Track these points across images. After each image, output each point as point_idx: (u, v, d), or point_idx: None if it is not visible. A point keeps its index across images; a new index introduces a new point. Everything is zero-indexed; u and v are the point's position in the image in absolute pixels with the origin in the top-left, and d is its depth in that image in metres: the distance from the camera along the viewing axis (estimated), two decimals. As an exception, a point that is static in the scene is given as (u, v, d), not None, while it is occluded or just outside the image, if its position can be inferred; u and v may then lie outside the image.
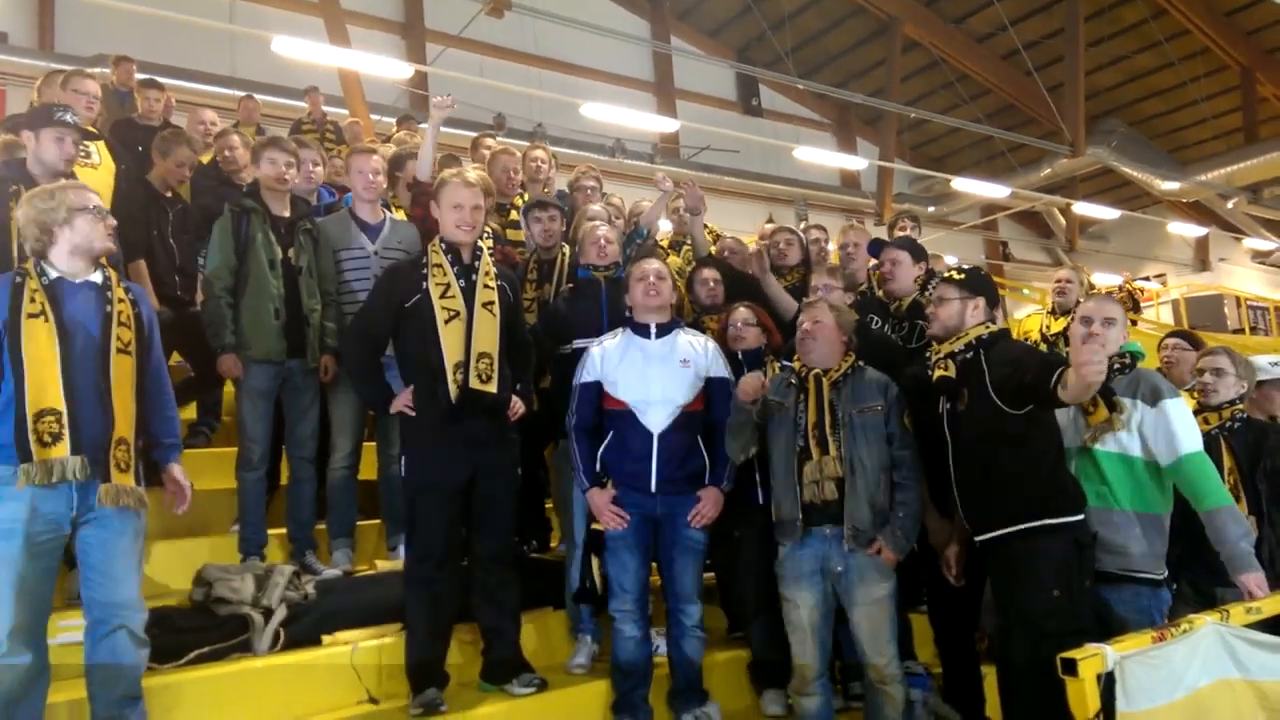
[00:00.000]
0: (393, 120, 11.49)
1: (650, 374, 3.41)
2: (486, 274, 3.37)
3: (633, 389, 3.40)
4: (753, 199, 16.38)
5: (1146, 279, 21.82)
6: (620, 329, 3.58)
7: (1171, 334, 4.42)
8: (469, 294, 3.31)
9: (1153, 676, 2.29)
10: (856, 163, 17.05)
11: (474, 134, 13.36)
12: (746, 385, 3.18)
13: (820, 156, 15.96)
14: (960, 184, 16.23)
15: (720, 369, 3.53)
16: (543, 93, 13.20)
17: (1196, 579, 3.32)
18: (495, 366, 3.28)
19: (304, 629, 3.37)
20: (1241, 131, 17.49)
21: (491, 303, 3.34)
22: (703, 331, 3.85)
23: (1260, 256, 22.49)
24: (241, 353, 3.74)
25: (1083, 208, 18.08)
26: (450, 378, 3.22)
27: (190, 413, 4.68)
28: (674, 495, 3.38)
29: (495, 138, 8.82)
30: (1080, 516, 2.93)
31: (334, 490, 3.96)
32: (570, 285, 4.10)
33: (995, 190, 16.53)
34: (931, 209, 18.45)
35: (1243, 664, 2.51)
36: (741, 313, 3.83)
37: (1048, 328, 6.17)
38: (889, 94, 16.08)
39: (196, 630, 3.23)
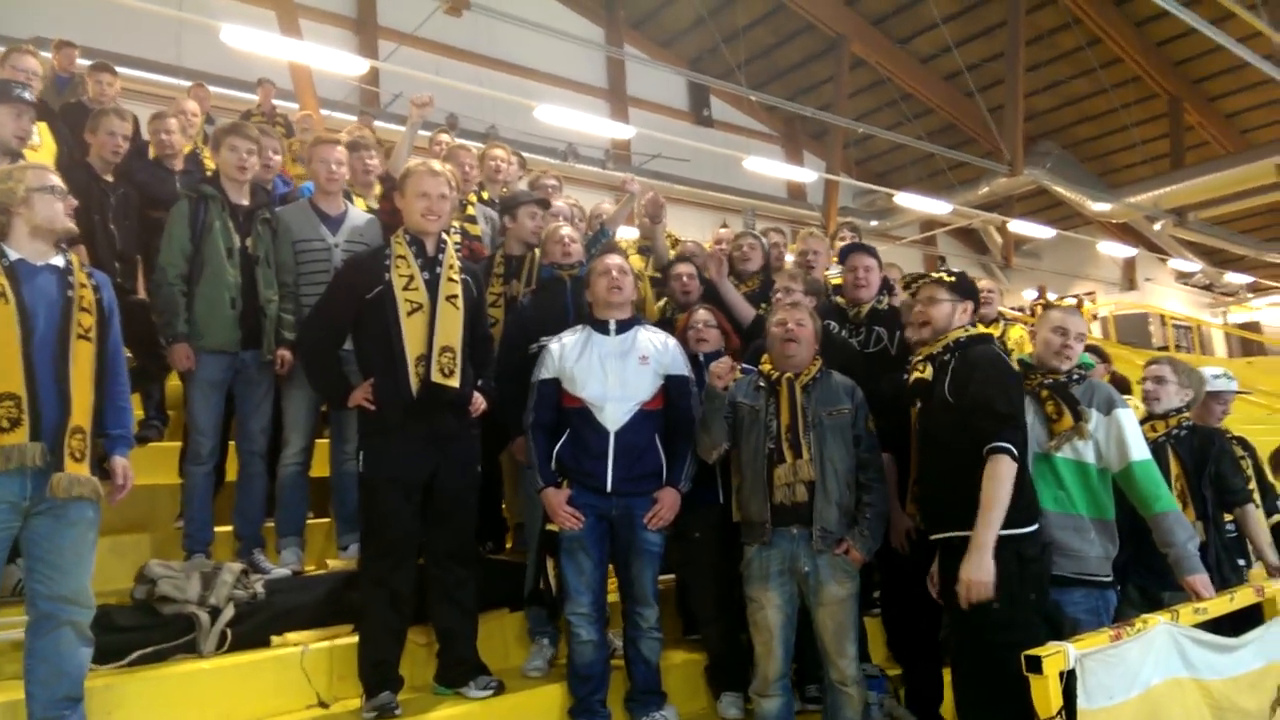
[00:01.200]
0: (342, 115, 11.35)
1: (609, 370, 3.38)
2: (450, 267, 3.31)
3: (591, 385, 3.36)
4: (702, 207, 16.52)
5: (1075, 296, 22.58)
6: (579, 326, 3.54)
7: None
8: (432, 286, 3.25)
9: (1110, 674, 2.36)
10: (805, 175, 17.30)
11: (426, 133, 13.26)
12: (718, 367, 3.19)
13: (769, 168, 16.15)
14: (903, 199, 16.59)
15: (681, 367, 3.51)
16: (496, 94, 13.10)
17: (1144, 583, 3.43)
18: (458, 360, 3.23)
19: (252, 630, 3.24)
20: (1169, 157, 18.24)
21: (455, 296, 3.28)
22: (673, 330, 3.85)
23: (1184, 277, 23.48)
24: (194, 343, 3.61)
25: (1018, 226, 18.63)
26: (412, 371, 3.15)
27: (136, 407, 4.50)
28: (631, 496, 3.34)
29: (449, 135, 8.76)
30: (1030, 529, 2.88)
31: (285, 487, 3.84)
32: (531, 288, 4.06)
33: (936, 206, 16.93)
34: (874, 223, 18.84)
35: (1191, 664, 2.61)
36: (702, 315, 3.85)
37: None
38: (837, 110, 16.38)
39: (139, 629, 3.09)
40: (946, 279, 3.20)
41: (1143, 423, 3.64)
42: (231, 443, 4.01)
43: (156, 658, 3.06)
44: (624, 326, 3.49)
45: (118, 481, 2.75)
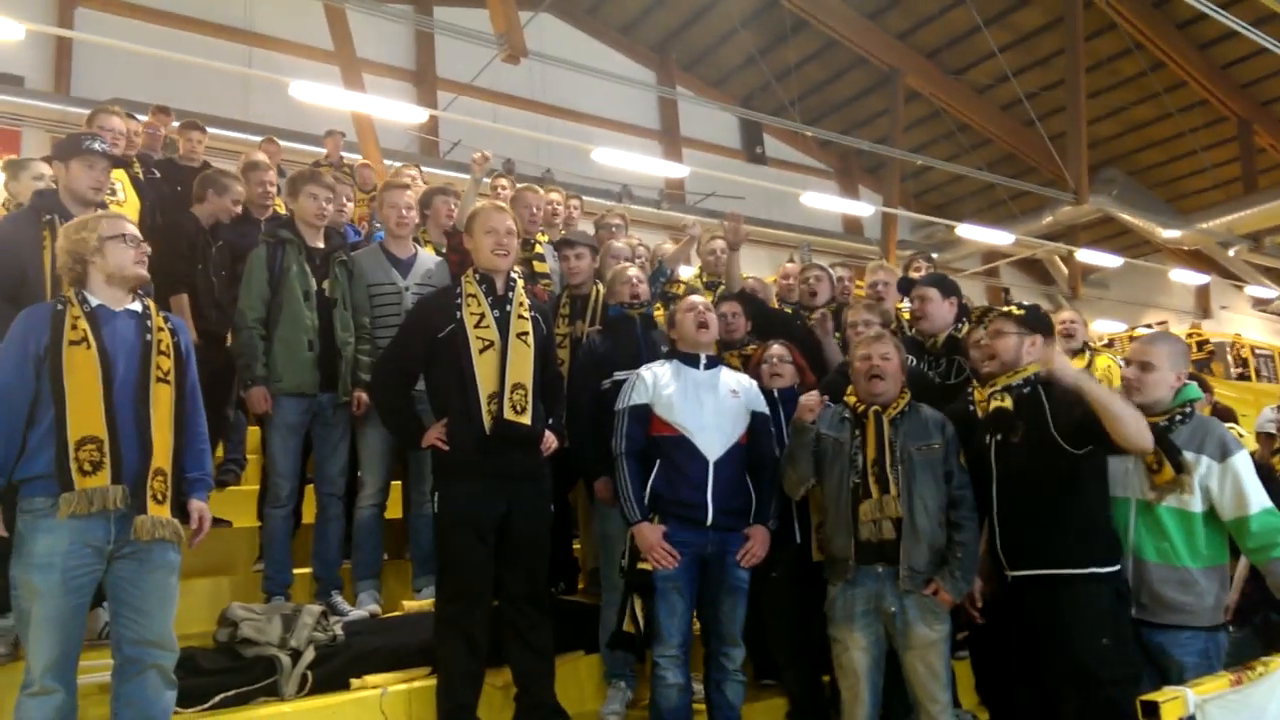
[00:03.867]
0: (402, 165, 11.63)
1: (705, 400, 3.34)
2: (520, 304, 3.34)
3: (689, 413, 3.31)
4: (758, 244, 16.47)
5: (1149, 326, 21.90)
6: (668, 359, 3.51)
7: None
8: (503, 324, 3.26)
9: (1234, 720, 2.21)
10: (862, 209, 17.18)
11: (486, 179, 13.47)
12: (809, 400, 3.15)
13: (826, 203, 16.06)
14: (965, 230, 16.33)
15: (762, 404, 3.48)
16: (552, 138, 13.33)
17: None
18: (530, 398, 3.22)
19: (332, 672, 3.24)
20: (1240, 181, 17.70)
21: (526, 333, 3.29)
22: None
23: (1261, 304, 22.62)
24: (272, 386, 3.68)
25: (1085, 255, 18.20)
26: (484, 409, 3.15)
27: (217, 450, 4.60)
28: (726, 531, 3.28)
29: (506, 180, 8.91)
30: (1118, 567, 2.92)
31: (361, 529, 3.86)
32: (598, 328, 4.05)
33: (999, 237, 16.64)
34: (935, 255, 18.52)
35: (1320, 708, 2.43)
36: (777, 350, 3.79)
37: None
38: (892, 143, 16.26)
39: (222, 672, 3.12)
40: (1016, 312, 3.17)
41: (1273, 455, 3.46)
42: (309, 485, 4.04)
43: (239, 700, 3.07)
44: (711, 363, 3.48)
45: (193, 525, 2.76)
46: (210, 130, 10.99)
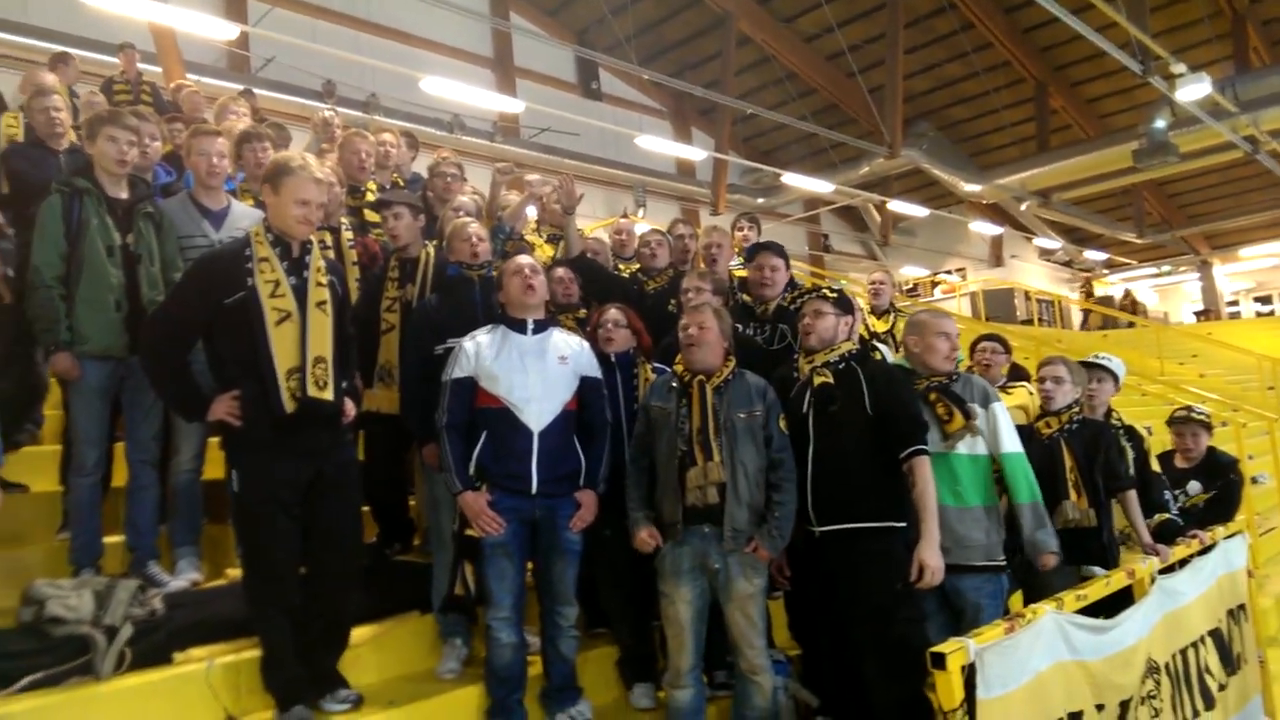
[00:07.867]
0: (211, 80, 10.72)
1: (530, 369, 3.32)
2: (318, 270, 3.08)
3: (512, 385, 3.29)
4: (593, 183, 16.43)
5: (949, 272, 23.72)
6: (494, 325, 3.47)
7: (984, 337, 4.71)
8: (300, 292, 3.00)
9: (1005, 664, 2.53)
10: (694, 153, 17.47)
11: (301, 100, 12.66)
12: (643, 542, 3.34)
13: (660, 145, 16.21)
14: (789, 178, 16.97)
15: (594, 369, 3.52)
16: (377, 62, 12.63)
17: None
18: (330, 371, 3.03)
19: (152, 647, 3.09)
20: (1035, 140, 19.26)
21: (324, 302, 3.06)
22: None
23: (1046, 255, 24.97)
24: (76, 349, 3.37)
25: (896, 205, 19.38)
26: (284, 385, 2.92)
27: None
28: (553, 497, 3.33)
29: (328, 105, 8.43)
30: (906, 523, 3.27)
31: (178, 496, 3.66)
32: (428, 289, 3.93)
33: (820, 185, 17.42)
34: (760, 200, 19.23)
35: (1074, 647, 2.83)
36: (612, 314, 3.83)
37: (870, 327, 6.39)
38: (724, 87, 16.56)
39: (27, 655, 2.90)
40: (830, 295, 3.47)
41: (1039, 418, 3.92)
42: (118, 446, 3.78)
43: (49, 682, 2.89)
44: (540, 326, 3.46)
45: None
46: (-21, 31, 9.79)
